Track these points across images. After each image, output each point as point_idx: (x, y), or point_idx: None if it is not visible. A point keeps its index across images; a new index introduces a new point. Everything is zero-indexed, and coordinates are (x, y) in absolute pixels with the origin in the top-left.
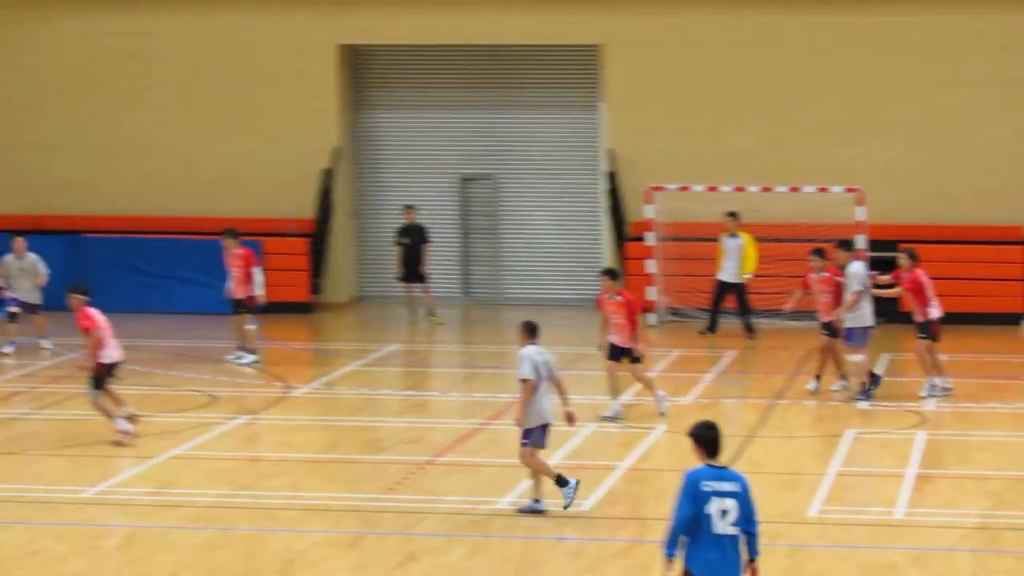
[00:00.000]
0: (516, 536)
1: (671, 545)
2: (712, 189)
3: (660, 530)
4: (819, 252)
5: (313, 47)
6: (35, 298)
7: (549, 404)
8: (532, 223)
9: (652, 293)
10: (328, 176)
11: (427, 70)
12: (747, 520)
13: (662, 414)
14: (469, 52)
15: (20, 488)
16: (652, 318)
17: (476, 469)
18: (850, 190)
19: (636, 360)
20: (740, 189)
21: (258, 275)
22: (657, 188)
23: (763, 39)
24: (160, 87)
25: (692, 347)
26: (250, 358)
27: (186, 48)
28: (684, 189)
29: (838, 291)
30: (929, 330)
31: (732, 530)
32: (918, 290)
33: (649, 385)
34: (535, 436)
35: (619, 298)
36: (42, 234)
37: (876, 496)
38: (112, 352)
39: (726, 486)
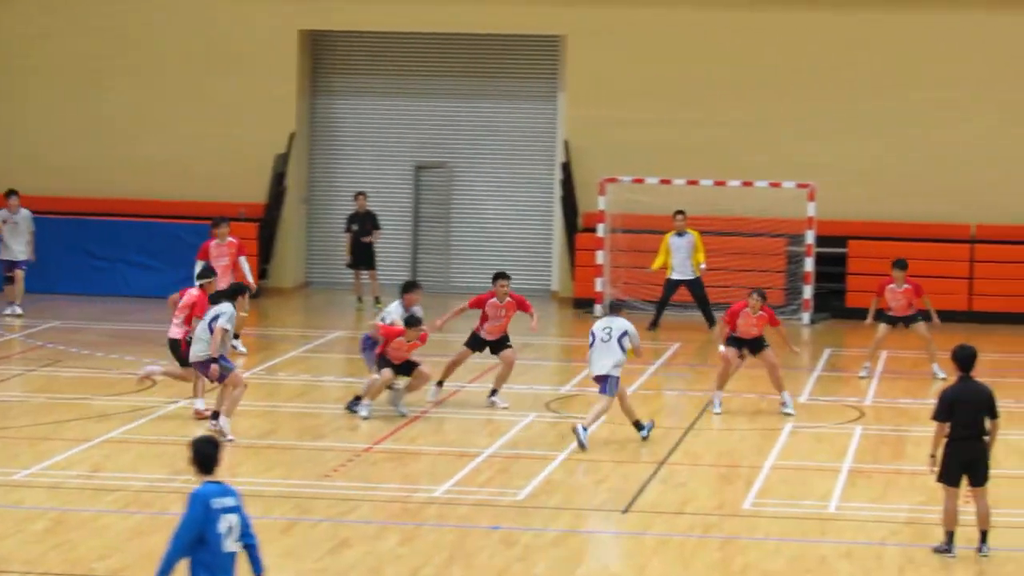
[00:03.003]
0: (449, 525)
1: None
2: (665, 182)
3: (596, 520)
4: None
5: (274, 32)
6: (26, 255)
7: None
8: (484, 212)
9: (600, 284)
10: (282, 161)
11: (387, 57)
12: (247, 533)
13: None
14: (429, 40)
15: None
16: (598, 309)
17: (413, 457)
18: (801, 185)
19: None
20: (693, 183)
21: (245, 263)
22: (610, 180)
23: (721, 33)
24: (119, 70)
25: None
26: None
27: (147, 31)
28: (637, 181)
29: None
30: None
31: (236, 547)
32: None
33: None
34: None
35: (509, 299)
36: None
37: (810, 490)
38: None
39: (228, 501)
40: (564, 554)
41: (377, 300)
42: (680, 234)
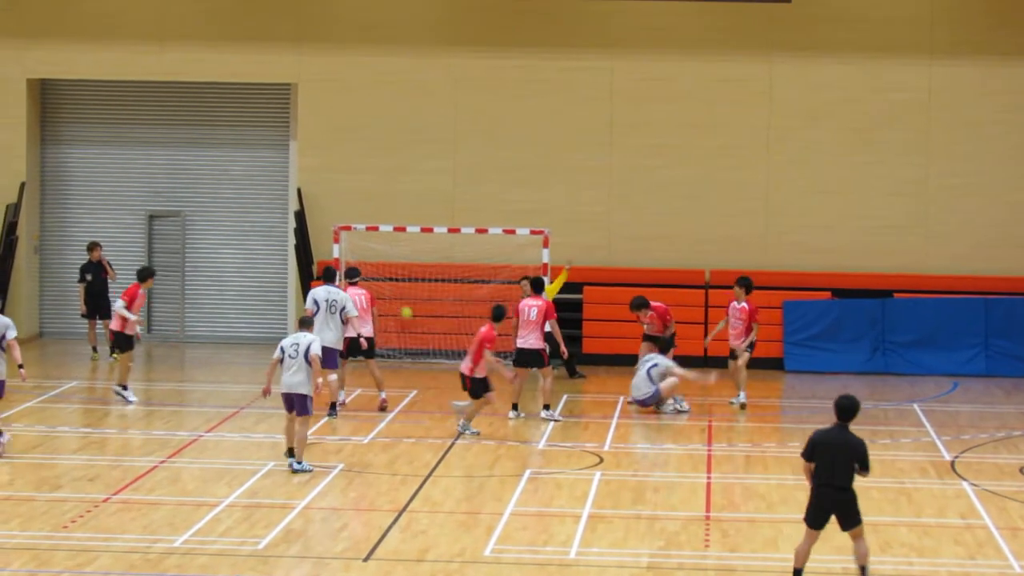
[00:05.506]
0: (190, 575)
1: None
2: (400, 229)
3: (337, 568)
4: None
5: (2, 81)
6: None
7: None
8: (218, 261)
9: None
10: (13, 211)
11: (119, 106)
12: None
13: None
14: (160, 89)
15: None
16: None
17: (152, 507)
18: (535, 232)
19: None
20: (428, 230)
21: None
22: (344, 228)
23: (454, 80)
24: None
25: (374, 387)
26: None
27: None
28: (372, 229)
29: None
30: None
31: None
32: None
33: None
34: None
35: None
36: None
37: (551, 536)
38: None
39: None
40: None
41: (112, 350)
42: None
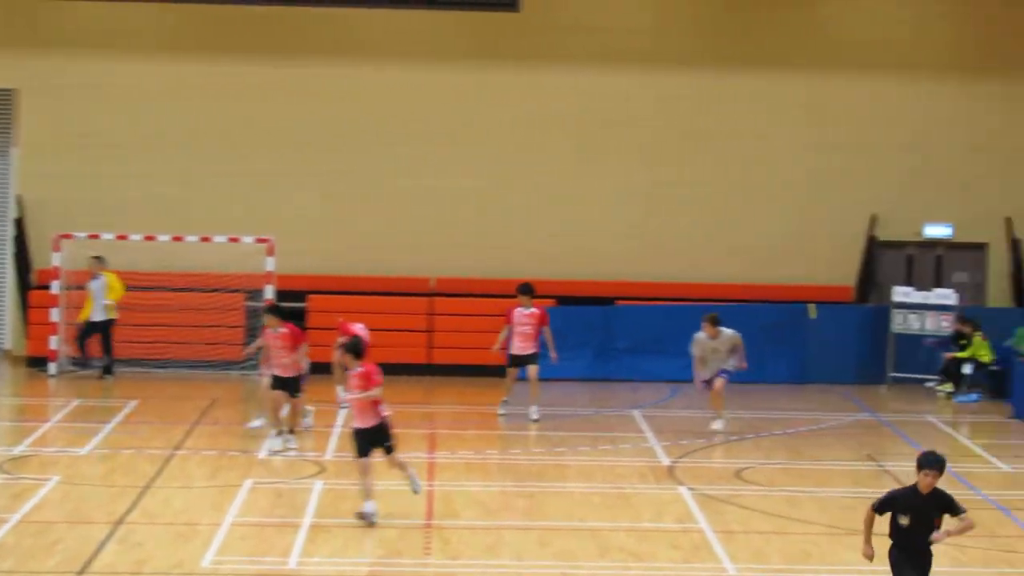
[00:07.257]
0: None
1: None
2: (122, 237)
3: None
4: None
5: None
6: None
7: None
8: None
9: (55, 343)
10: None
11: None
12: None
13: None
14: None
15: None
16: (52, 367)
17: None
18: (260, 240)
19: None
20: (151, 238)
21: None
22: (66, 236)
23: (181, 88)
24: None
25: (92, 397)
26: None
27: None
28: (94, 237)
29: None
30: None
31: None
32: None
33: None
34: None
35: (284, 331)
36: None
37: (271, 546)
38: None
39: None
40: None
41: None
42: (95, 277)
